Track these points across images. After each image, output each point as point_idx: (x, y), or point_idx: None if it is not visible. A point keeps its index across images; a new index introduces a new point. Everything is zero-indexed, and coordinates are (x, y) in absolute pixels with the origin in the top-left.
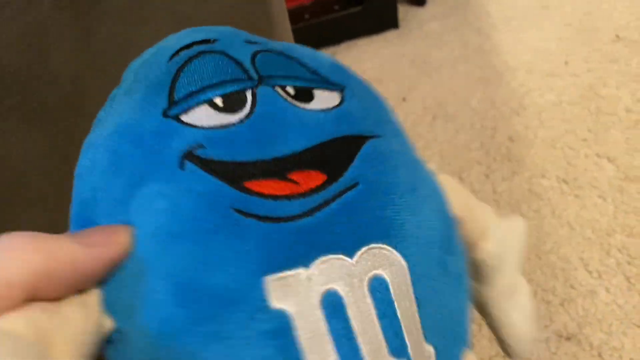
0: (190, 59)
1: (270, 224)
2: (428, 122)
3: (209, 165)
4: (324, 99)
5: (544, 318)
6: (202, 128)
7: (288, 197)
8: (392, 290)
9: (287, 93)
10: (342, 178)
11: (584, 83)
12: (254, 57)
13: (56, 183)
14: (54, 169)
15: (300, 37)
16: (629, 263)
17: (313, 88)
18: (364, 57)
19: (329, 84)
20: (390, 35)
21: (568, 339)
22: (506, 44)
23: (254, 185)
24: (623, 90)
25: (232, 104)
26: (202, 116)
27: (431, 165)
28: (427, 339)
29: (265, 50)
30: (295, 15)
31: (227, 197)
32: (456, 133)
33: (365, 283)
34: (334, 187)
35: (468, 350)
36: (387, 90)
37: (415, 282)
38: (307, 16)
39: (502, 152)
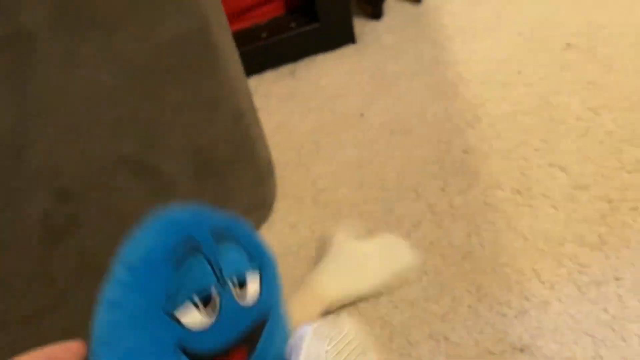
0: (181, 263)
1: None
2: (386, 138)
3: (189, 354)
4: (251, 284)
5: (499, 331)
6: (187, 327)
7: None
8: None
9: (234, 284)
10: (255, 350)
11: (536, 92)
12: (218, 254)
13: None
14: None
15: (259, 56)
16: (579, 272)
17: (247, 275)
18: (322, 73)
19: (255, 266)
20: (348, 50)
21: (522, 350)
22: (460, 55)
23: None
24: (574, 97)
25: (209, 305)
26: (188, 315)
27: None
28: None
29: (228, 243)
30: (251, 35)
31: None
32: (413, 148)
33: None
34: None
35: None
36: (346, 105)
37: None
38: (264, 35)
39: (457, 166)
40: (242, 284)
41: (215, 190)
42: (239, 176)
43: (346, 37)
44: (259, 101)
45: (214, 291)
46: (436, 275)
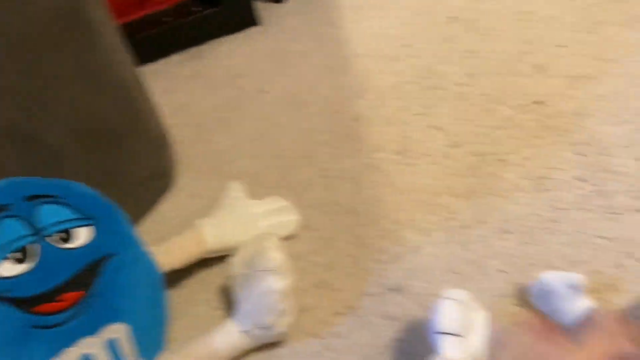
0: None
1: (48, 330)
2: (283, 111)
3: (9, 301)
4: (81, 234)
5: (376, 275)
6: (8, 278)
7: (58, 312)
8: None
9: (58, 238)
10: (91, 289)
11: (421, 63)
12: (34, 211)
13: None
14: None
15: (165, 40)
16: (449, 219)
17: (74, 227)
18: (226, 55)
19: (85, 220)
20: (252, 32)
21: (396, 290)
22: (354, 32)
23: (38, 308)
24: (454, 66)
25: (24, 256)
26: (6, 268)
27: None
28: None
29: (43, 202)
30: (157, 20)
31: (23, 319)
32: (307, 119)
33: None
34: (84, 301)
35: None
36: (248, 83)
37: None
38: (169, 19)
39: (346, 133)
40: (68, 233)
41: (106, 161)
42: (130, 147)
43: (249, 20)
44: (165, 83)
45: (27, 242)
46: (322, 231)
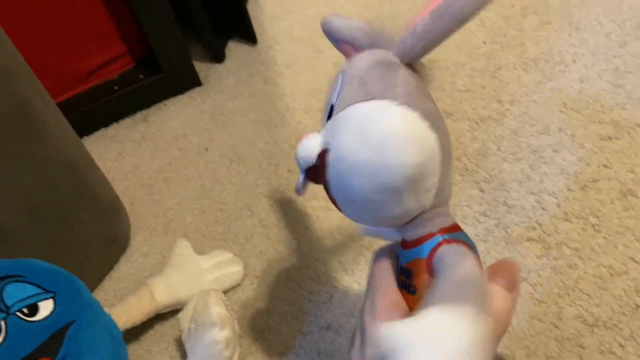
0: None
1: None
2: (225, 167)
3: None
4: (44, 307)
5: (310, 316)
6: None
7: None
8: None
9: (23, 313)
10: (57, 356)
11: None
12: (1, 292)
13: None
14: None
15: (115, 107)
16: None
17: (38, 301)
18: (171, 116)
19: (47, 293)
20: (194, 92)
21: (327, 328)
22: (288, 88)
23: None
24: None
25: None
26: None
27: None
28: None
29: (9, 282)
30: (106, 89)
31: None
32: (247, 173)
33: None
34: None
35: None
36: (192, 143)
37: None
38: (116, 88)
39: (283, 184)
40: (32, 308)
41: (60, 233)
42: (82, 218)
43: (191, 81)
44: (117, 147)
45: None
46: (263, 279)
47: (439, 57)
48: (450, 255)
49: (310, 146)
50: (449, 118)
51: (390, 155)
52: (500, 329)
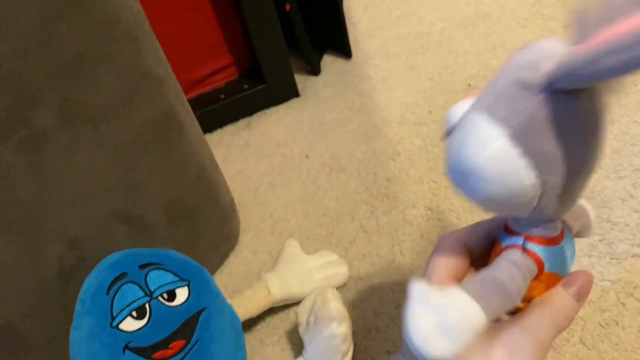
0: (116, 292)
1: None
2: (326, 174)
3: (134, 350)
4: (181, 294)
5: None
6: (130, 332)
7: (170, 357)
8: None
9: (164, 298)
10: (192, 339)
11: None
12: (145, 277)
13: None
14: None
15: (220, 114)
16: None
17: (176, 288)
18: (272, 125)
19: (182, 281)
20: (292, 103)
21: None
22: (383, 101)
23: (156, 355)
24: None
25: (140, 314)
26: (129, 324)
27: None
28: None
29: (152, 269)
30: (213, 97)
31: None
32: (347, 181)
33: None
34: (188, 347)
35: None
36: (293, 150)
37: None
38: (222, 96)
39: (382, 192)
40: (171, 294)
41: (187, 231)
42: (207, 218)
43: (291, 92)
44: (222, 152)
45: (143, 302)
46: (367, 281)
47: None
48: (507, 258)
49: (454, 114)
50: None
51: (469, 183)
52: (553, 330)
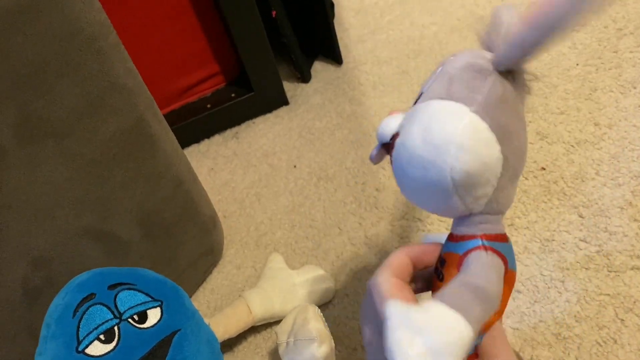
0: (83, 314)
1: None
2: (314, 184)
3: None
4: (152, 315)
5: None
6: (97, 357)
7: None
8: None
9: (135, 320)
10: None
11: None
12: (115, 298)
13: None
14: None
15: (207, 124)
16: None
17: (147, 309)
18: (260, 134)
19: (155, 302)
20: (281, 111)
21: None
22: (373, 108)
23: None
24: None
25: (109, 338)
26: (96, 348)
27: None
28: None
29: (122, 289)
30: (199, 107)
31: None
32: (335, 191)
33: None
34: None
35: None
36: (281, 159)
37: None
38: (209, 106)
39: (370, 203)
40: (142, 315)
41: (165, 246)
42: (185, 232)
43: (279, 100)
44: (209, 162)
45: (111, 325)
46: (354, 296)
47: None
48: (476, 262)
49: (388, 126)
50: (543, 140)
51: (444, 158)
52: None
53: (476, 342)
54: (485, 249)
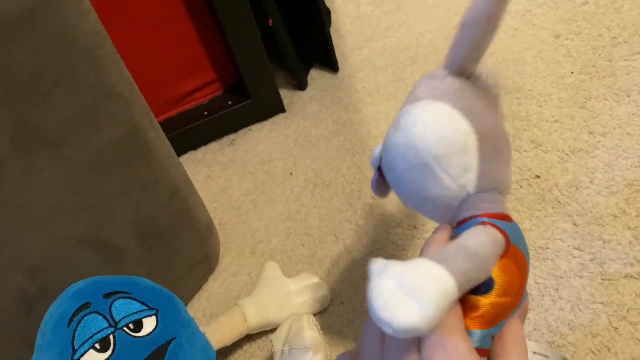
0: (78, 322)
1: None
2: (310, 191)
3: None
4: (148, 323)
5: None
6: None
7: None
8: None
9: (130, 329)
10: None
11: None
12: (110, 307)
13: None
14: None
15: (203, 131)
16: None
17: (143, 318)
18: (256, 141)
19: (150, 310)
20: (278, 118)
21: None
22: (369, 115)
23: None
24: None
25: (104, 346)
26: (91, 357)
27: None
28: None
29: (117, 297)
30: (196, 114)
31: None
32: (331, 198)
33: None
34: None
35: None
36: (277, 167)
37: None
38: (206, 113)
39: (366, 210)
40: (137, 324)
41: (161, 254)
42: (181, 239)
43: (276, 108)
44: (205, 170)
45: (107, 333)
46: (349, 304)
47: (524, 86)
48: (470, 230)
49: (376, 151)
50: (538, 148)
51: (414, 133)
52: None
53: (493, 332)
54: (484, 224)
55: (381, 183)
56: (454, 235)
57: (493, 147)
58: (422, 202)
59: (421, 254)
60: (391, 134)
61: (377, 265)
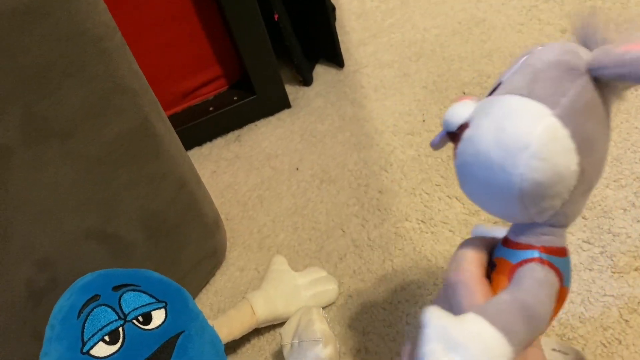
0: (87, 315)
1: None
2: (316, 187)
3: None
4: (157, 316)
5: (409, 338)
6: (102, 358)
7: None
8: None
9: (139, 321)
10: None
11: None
12: (120, 299)
13: None
14: None
15: (209, 127)
16: None
17: (152, 310)
18: (262, 137)
19: (159, 303)
20: (284, 114)
21: None
22: (375, 110)
23: None
24: None
25: (113, 339)
26: (101, 349)
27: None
28: None
29: (126, 290)
30: (202, 110)
31: None
32: (338, 193)
33: None
34: None
35: None
36: (283, 162)
37: None
38: (211, 109)
39: (373, 204)
40: (146, 316)
41: (168, 248)
42: (188, 233)
43: (281, 103)
44: (211, 165)
45: (116, 326)
46: (357, 298)
47: None
48: (529, 276)
49: (457, 114)
50: None
51: (515, 163)
52: None
53: None
54: (542, 262)
55: (444, 142)
56: (497, 257)
57: (589, 185)
58: (486, 204)
59: (452, 282)
60: (487, 137)
61: (434, 321)
